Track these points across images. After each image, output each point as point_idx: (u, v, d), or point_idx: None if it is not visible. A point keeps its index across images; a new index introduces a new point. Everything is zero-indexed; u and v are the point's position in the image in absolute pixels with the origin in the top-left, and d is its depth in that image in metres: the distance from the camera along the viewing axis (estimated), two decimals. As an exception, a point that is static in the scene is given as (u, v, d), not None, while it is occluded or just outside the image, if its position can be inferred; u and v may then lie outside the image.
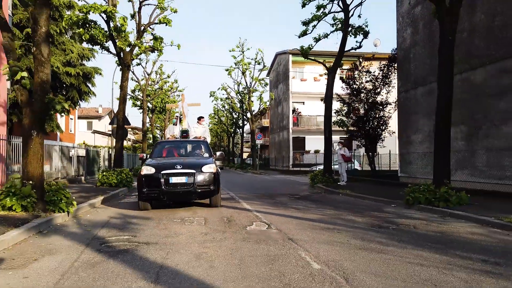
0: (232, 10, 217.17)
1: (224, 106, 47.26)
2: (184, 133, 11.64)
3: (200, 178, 8.35)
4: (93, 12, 13.70)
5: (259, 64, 36.71)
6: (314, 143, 35.21)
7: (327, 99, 16.90)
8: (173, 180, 8.27)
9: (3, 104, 14.66)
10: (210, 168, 8.60)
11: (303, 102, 37.46)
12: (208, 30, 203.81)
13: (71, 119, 37.66)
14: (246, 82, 37.94)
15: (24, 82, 7.50)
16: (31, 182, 7.22)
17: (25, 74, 7.51)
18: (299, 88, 36.25)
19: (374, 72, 19.92)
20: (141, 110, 30.62)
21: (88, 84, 26.17)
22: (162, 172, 8.27)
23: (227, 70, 36.39)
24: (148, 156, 10.14)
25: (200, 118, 12.46)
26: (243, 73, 36.67)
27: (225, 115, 51.66)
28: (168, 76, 31.62)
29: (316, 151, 34.34)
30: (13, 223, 6.20)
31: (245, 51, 35.82)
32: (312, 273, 3.95)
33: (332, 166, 17.36)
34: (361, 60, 31.11)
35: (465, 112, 12.87)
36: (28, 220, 6.50)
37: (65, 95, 23.96)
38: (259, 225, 6.82)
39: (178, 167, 8.41)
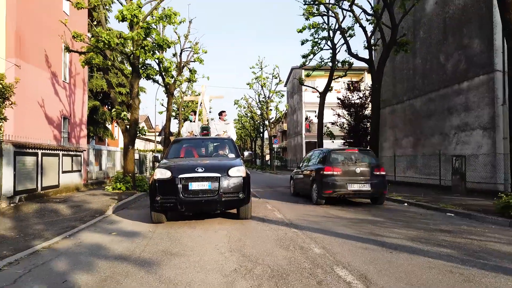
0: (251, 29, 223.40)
1: (246, 114, 53.11)
2: (205, 129, 10.41)
3: (226, 183, 6.98)
4: (149, 59, 19.66)
5: (275, 78, 42.22)
6: (324, 147, 40.48)
7: (319, 115, 22.24)
8: (194, 186, 6.90)
9: (84, 122, 20.98)
10: (238, 172, 7.19)
11: (315, 111, 42.69)
12: (231, 45, 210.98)
13: (116, 126, 44.54)
14: (264, 94, 43.62)
15: (124, 118, 13.40)
16: (130, 174, 13.10)
17: (125, 113, 13.40)
18: (311, 98, 41.54)
19: (363, 90, 25.09)
20: (176, 121, 36.71)
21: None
22: (179, 176, 6.91)
23: (248, 84, 42.14)
24: (163, 156, 8.84)
25: (221, 113, 10.98)
26: (262, 86, 42.37)
27: (247, 121, 57.48)
28: (199, 94, 37.58)
29: (325, 154, 39.57)
30: (126, 194, 12.06)
31: (264, 67, 41.43)
32: (266, 209, 9.49)
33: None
34: (366, 73, 36.00)
35: (411, 128, 18.02)
36: (132, 194, 12.34)
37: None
38: (254, 197, 12.38)
39: (200, 170, 7.02)
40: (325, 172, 10.13)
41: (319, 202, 10.37)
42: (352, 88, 25.86)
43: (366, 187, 9.97)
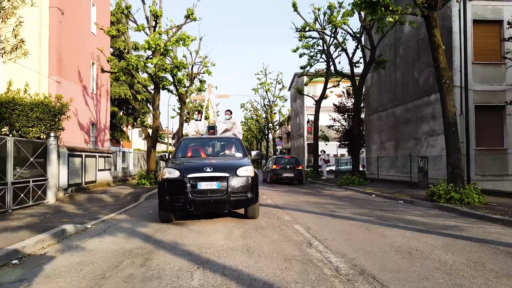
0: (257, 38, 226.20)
1: (252, 117, 56.03)
2: (211, 128, 10.44)
3: (234, 183, 7.05)
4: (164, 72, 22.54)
5: (279, 83, 45.03)
6: (324, 148, 43.14)
7: (315, 120, 24.95)
8: (202, 186, 6.97)
9: (107, 127, 23.85)
10: (246, 171, 7.29)
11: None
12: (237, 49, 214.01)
13: (129, 129, 47.66)
14: (268, 98, 46.46)
15: (147, 125, 16.24)
16: (152, 172, 15.94)
17: (148, 121, 16.24)
18: (312, 103, 44.18)
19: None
20: (186, 124, 39.71)
21: (149, 106, 35.55)
22: (188, 175, 7.00)
23: (253, 89, 45.06)
24: (171, 156, 8.86)
25: (228, 112, 11.20)
26: (266, 92, 45.24)
27: (253, 123, 60.41)
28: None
29: (326, 155, 42.29)
30: (150, 188, 14.89)
31: (268, 74, 44.29)
32: (262, 198, 12.21)
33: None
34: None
35: (393, 133, 20.65)
36: (155, 188, 15.15)
37: (133, 115, 33.35)
38: (254, 191, 15.12)
39: (208, 169, 7.10)
40: (273, 167, 20.47)
41: (271, 182, 20.32)
42: (348, 94, 28.48)
43: (292, 175, 20.06)
